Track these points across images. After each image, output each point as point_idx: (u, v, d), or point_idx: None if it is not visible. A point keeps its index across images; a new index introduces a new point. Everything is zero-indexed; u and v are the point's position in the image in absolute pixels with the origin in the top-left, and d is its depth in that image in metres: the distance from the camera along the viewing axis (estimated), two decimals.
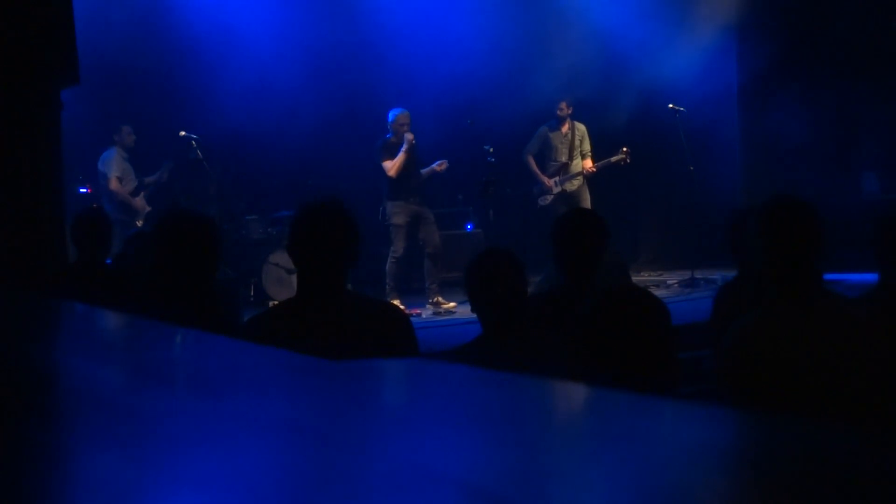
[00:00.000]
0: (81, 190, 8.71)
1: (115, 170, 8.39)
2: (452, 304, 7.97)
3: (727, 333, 2.63)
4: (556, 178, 8.92)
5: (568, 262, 3.65)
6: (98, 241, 4.75)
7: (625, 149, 8.94)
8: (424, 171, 8.23)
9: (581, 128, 9.00)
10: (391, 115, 8.15)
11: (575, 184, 8.93)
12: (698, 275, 8.77)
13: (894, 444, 0.67)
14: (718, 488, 0.62)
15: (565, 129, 8.93)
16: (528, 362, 2.20)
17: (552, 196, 8.91)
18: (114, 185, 8.36)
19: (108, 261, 5.58)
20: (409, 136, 7.98)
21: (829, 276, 2.93)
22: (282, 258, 7.95)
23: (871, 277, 3.76)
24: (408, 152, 7.96)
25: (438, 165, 8.25)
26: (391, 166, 7.96)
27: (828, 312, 2.66)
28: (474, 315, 3.11)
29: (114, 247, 7.30)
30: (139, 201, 8.55)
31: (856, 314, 2.72)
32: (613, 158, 8.95)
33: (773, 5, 10.10)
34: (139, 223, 8.40)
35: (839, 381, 2.50)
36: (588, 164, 8.94)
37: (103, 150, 8.50)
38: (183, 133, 8.64)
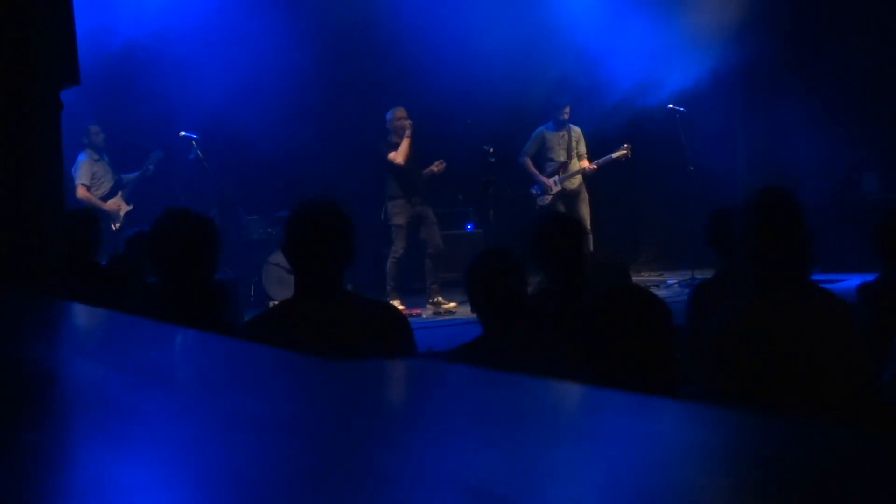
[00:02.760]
0: None
1: (82, 177, 8.30)
2: (452, 304, 7.97)
3: (709, 322, 2.63)
4: (556, 178, 8.92)
5: (549, 268, 3.64)
6: (88, 240, 4.71)
7: (626, 144, 8.95)
8: (424, 171, 8.24)
9: (577, 130, 9.03)
10: (388, 115, 8.17)
11: (574, 182, 8.94)
12: (698, 275, 8.76)
13: (894, 444, 0.67)
14: (718, 488, 0.62)
15: (562, 130, 8.95)
16: (528, 362, 2.20)
17: (552, 196, 8.91)
18: (80, 192, 8.25)
19: (104, 262, 5.58)
20: (407, 123, 8.00)
21: (829, 276, 2.94)
22: (282, 258, 7.94)
23: (871, 278, 3.77)
24: (410, 137, 7.98)
25: (436, 166, 8.25)
26: (396, 155, 7.98)
27: (811, 304, 2.67)
28: (474, 315, 3.11)
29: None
30: (113, 202, 8.47)
31: (839, 308, 2.72)
32: (615, 154, 8.97)
33: (773, 5, 10.10)
34: (115, 226, 8.33)
35: (818, 372, 2.51)
36: (586, 163, 8.95)
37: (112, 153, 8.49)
38: (183, 133, 8.64)
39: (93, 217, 5.04)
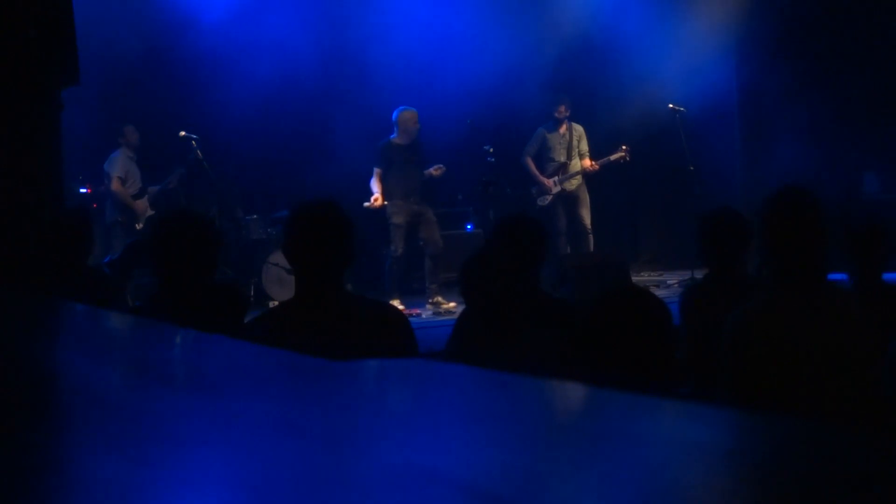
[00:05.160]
0: (81, 190, 8.70)
1: (118, 170, 8.38)
2: (452, 304, 7.97)
3: (729, 319, 2.63)
4: (556, 178, 8.92)
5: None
6: (78, 243, 4.56)
7: (624, 146, 8.96)
8: (423, 173, 8.23)
9: (578, 128, 9.01)
10: (396, 113, 8.14)
11: (574, 183, 8.94)
12: (698, 275, 8.74)
13: (894, 444, 0.67)
14: (718, 488, 0.62)
15: (563, 129, 8.94)
16: (524, 361, 2.20)
17: (551, 196, 8.92)
18: (115, 185, 8.34)
19: (106, 259, 5.59)
20: (415, 128, 7.97)
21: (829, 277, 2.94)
22: (282, 258, 7.93)
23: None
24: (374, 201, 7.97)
25: (436, 170, 8.24)
26: (373, 184, 8.00)
27: (830, 302, 2.67)
28: None
29: (114, 248, 7.28)
30: (141, 204, 8.53)
31: (858, 305, 2.73)
32: (613, 157, 8.97)
33: (773, 5, 10.10)
34: (139, 226, 8.40)
35: (837, 370, 2.51)
36: (588, 163, 8.95)
37: (110, 152, 8.51)
38: (183, 133, 8.64)
39: (85, 220, 4.83)
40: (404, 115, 8.08)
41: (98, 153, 8.53)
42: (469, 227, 10.20)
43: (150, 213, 8.59)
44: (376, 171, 8.05)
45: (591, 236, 8.88)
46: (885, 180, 9.80)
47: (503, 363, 1.03)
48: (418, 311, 7.84)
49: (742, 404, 2.52)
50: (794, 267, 2.64)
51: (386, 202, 8.07)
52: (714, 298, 3.43)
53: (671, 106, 9.17)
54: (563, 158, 8.93)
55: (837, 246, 3.48)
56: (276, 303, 7.44)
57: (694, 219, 4.03)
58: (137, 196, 8.55)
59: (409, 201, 8.07)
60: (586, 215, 8.89)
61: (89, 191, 8.79)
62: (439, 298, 8.04)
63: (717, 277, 3.70)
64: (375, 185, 8.00)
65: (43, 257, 3.38)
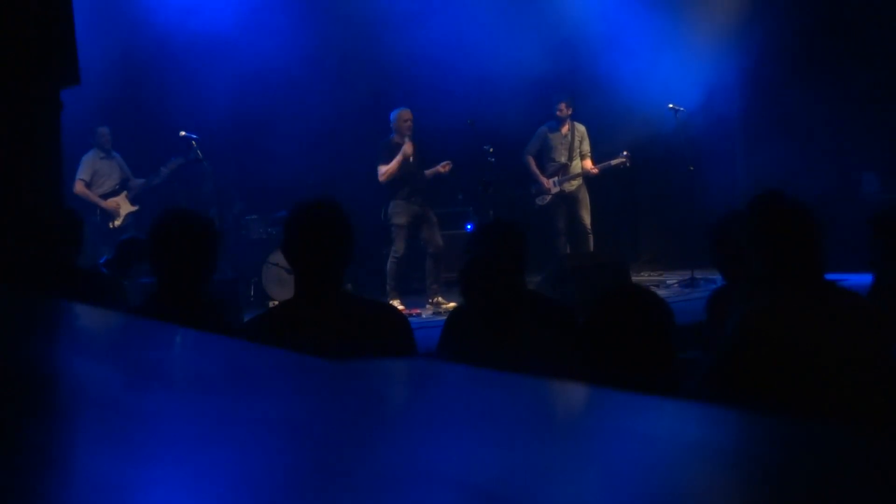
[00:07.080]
0: None
1: (83, 172, 8.40)
2: (453, 304, 7.97)
3: (728, 322, 2.63)
4: (555, 179, 8.92)
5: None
6: (69, 242, 4.48)
7: (625, 152, 8.95)
8: (428, 171, 8.23)
9: (581, 128, 9.00)
10: (392, 115, 8.15)
11: (574, 184, 8.94)
12: (698, 275, 8.77)
13: (894, 444, 0.67)
14: (718, 488, 0.62)
15: (565, 129, 8.94)
16: (524, 361, 2.20)
17: (551, 196, 8.92)
18: (77, 188, 8.33)
19: (102, 260, 5.58)
20: (406, 149, 7.97)
21: (828, 277, 2.93)
22: (282, 258, 7.91)
23: (871, 278, 3.76)
24: (401, 162, 7.96)
25: (442, 167, 8.24)
26: (384, 172, 7.99)
27: (832, 301, 2.67)
28: None
29: (98, 250, 7.25)
30: (112, 201, 8.49)
31: (860, 304, 2.72)
32: (614, 161, 8.95)
33: (773, 5, 10.10)
34: (112, 224, 8.36)
35: (842, 370, 2.51)
36: (589, 164, 8.94)
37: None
38: (183, 133, 8.63)
39: (77, 220, 4.68)
40: (399, 115, 8.11)
41: None
42: (469, 227, 10.19)
43: (131, 209, 8.55)
44: (380, 168, 8.05)
45: (590, 236, 8.88)
46: (885, 180, 9.80)
47: (494, 362, 1.03)
48: (418, 311, 7.84)
49: (745, 404, 2.52)
50: (787, 269, 2.63)
51: (389, 201, 8.07)
52: (738, 301, 3.42)
53: (671, 106, 9.16)
54: (563, 159, 8.92)
55: (840, 246, 3.48)
56: (276, 303, 7.44)
57: (695, 220, 4.03)
58: (110, 195, 8.50)
59: (412, 202, 8.07)
60: (586, 216, 8.88)
61: None
62: (440, 298, 8.04)
63: (734, 282, 3.68)
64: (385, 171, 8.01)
65: (41, 257, 3.37)
